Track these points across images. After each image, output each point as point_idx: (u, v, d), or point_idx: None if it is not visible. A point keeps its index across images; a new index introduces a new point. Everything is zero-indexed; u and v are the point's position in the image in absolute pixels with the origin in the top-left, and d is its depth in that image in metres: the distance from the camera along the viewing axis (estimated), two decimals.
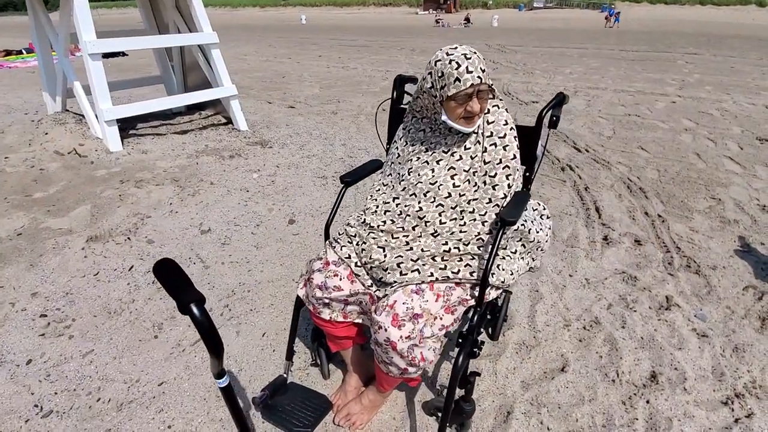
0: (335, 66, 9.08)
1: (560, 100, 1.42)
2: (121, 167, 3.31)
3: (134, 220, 2.61)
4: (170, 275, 0.68)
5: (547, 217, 1.53)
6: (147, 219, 2.63)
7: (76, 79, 3.75)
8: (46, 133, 3.67)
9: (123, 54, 10.66)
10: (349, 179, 1.49)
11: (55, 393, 1.51)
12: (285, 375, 1.46)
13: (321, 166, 3.50)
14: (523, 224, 1.33)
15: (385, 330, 1.10)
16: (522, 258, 1.37)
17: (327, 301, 1.28)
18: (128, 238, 2.43)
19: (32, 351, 1.68)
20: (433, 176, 1.28)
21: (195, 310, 0.64)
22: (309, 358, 1.64)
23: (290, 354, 1.47)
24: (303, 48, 12.86)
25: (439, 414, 1.36)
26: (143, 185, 3.04)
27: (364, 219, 1.34)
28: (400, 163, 1.40)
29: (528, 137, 1.39)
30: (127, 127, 4.15)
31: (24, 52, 11.28)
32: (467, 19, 24.67)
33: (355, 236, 1.33)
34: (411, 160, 1.35)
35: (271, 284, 2.08)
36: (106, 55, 3.70)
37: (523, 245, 1.37)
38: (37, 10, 3.93)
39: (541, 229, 1.43)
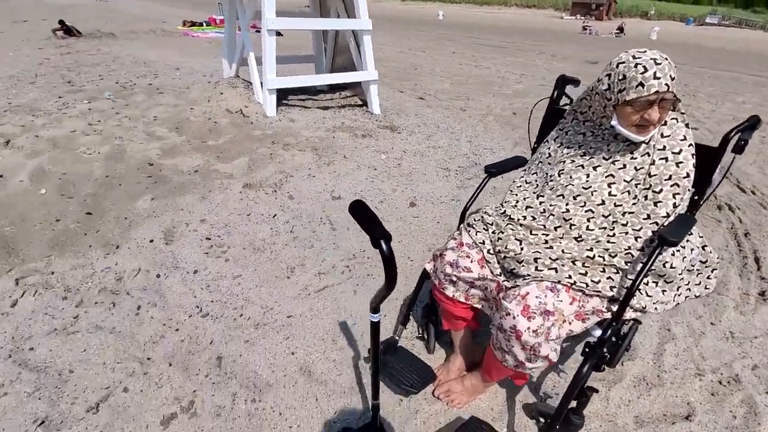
0: (468, 63, 9.02)
1: (754, 123, 1.28)
2: (273, 131, 3.79)
3: (280, 176, 2.99)
4: (364, 214, 0.80)
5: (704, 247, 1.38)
6: (290, 178, 2.99)
7: (251, 50, 4.36)
8: (222, 93, 4.35)
9: (279, 34, 11.97)
10: (494, 170, 1.53)
11: (212, 301, 1.84)
12: (397, 338, 1.58)
13: (445, 158, 3.57)
14: (682, 247, 1.23)
15: (513, 317, 1.12)
16: (669, 288, 1.26)
17: (454, 279, 1.34)
18: (274, 190, 2.80)
19: (198, 264, 2.07)
20: (588, 181, 1.25)
21: (384, 245, 0.75)
22: (416, 331, 1.74)
23: (405, 320, 1.58)
24: (438, 43, 12.99)
25: (542, 419, 1.35)
26: (289, 149, 3.44)
27: (504, 210, 1.37)
28: (549, 164, 1.39)
29: (705, 158, 1.28)
30: (280, 97, 4.70)
31: (204, 24, 13.33)
32: (620, 29, 22.31)
33: (492, 224, 1.37)
34: (564, 161, 1.33)
35: None
36: None
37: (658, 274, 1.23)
38: None
39: (682, 256, 1.23)
